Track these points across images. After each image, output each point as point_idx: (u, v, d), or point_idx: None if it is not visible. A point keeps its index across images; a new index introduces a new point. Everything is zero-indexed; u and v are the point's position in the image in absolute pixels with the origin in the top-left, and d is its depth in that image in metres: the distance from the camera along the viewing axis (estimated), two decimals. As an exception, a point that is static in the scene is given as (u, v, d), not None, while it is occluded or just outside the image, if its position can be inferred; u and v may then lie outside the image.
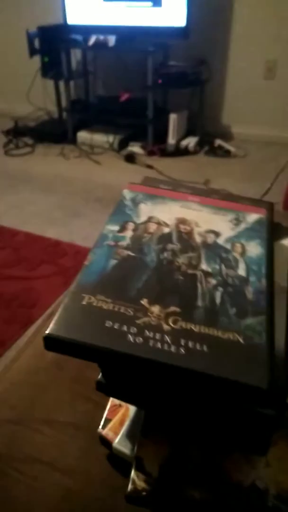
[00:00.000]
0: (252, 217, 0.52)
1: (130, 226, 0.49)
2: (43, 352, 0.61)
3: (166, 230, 0.49)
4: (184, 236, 0.48)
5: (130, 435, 0.46)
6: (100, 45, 2.74)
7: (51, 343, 0.36)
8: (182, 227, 0.50)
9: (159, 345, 0.35)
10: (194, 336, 0.37)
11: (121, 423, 0.48)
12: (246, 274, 0.43)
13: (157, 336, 0.36)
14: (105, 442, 0.47)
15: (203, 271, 0.44)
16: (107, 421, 0.49)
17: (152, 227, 0.49)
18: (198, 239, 0.48)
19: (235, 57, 2.96)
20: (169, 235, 0.48)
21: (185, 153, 2.90)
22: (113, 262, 0.44)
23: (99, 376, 0.42)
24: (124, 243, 0.46)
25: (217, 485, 0.40)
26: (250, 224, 0.51)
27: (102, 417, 0.50)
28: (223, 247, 0.47)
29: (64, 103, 3.16)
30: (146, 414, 0.45)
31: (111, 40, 2.69)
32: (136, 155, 2.83)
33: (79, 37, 2.80)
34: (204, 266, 0.44)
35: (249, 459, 0.41)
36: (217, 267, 0.44)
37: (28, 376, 0.59)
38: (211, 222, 0.51)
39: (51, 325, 0.37)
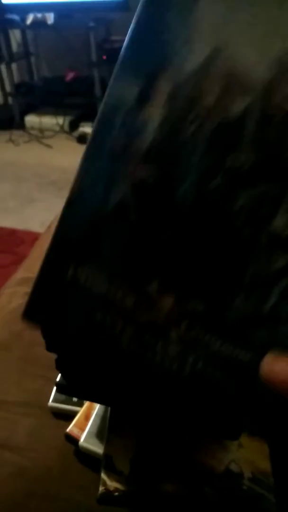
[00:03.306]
0: None
1: (164, 86, 0.22)
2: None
3: (239, 103, 0.22)
4: (273, 128, 0.22)
5: (98, 431, 0.44)
6: (39, 24, 2.63)
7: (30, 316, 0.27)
8: (280, 95, 0.21)
9: (157, 358, 0.26)
10: (210, 355, 0.25)
11: (87, 418, 0.46)
12: None
13: (159, 344, 0.26)
14: (71, 439, 0.45)
15: (272, 231, 0.23)
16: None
17: (211, 90, 0.22)
18: None
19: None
20: (239, 123, 0.22)
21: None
22: (116, 194, 0.24)
23: (59, 379, 0.38)
24: (142, 142, 0.23)
25: (190, 476, 0.39)
26: None
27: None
28: None
29: (8, 87, 3.04)
30: (113, 409, 0.42)
31: (50, 17, 2.59)
32: (89, 135, 2.77)
33: (15, 17, 2.68)
34: (280, 221, 0.23)
35: (222, 444, 0.40)
36: None
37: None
38: None
39: (28, 305, 0.27)
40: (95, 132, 0.24)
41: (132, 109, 0.23)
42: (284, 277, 0.24)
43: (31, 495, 0.43)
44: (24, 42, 3.02)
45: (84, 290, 0.25)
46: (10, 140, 2.81)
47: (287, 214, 0.23)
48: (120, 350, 0.26)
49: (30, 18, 2.63)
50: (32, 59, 3.13)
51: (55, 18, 2.59)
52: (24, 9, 2.65)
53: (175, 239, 0.24)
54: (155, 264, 0.25)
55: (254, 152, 0.22)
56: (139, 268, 0.25)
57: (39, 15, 2.61)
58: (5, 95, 3.13)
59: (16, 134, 2.87)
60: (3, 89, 3.10)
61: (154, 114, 0.22)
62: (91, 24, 2.55)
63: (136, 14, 0.22)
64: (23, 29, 2.87)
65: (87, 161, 0.24)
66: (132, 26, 0.22)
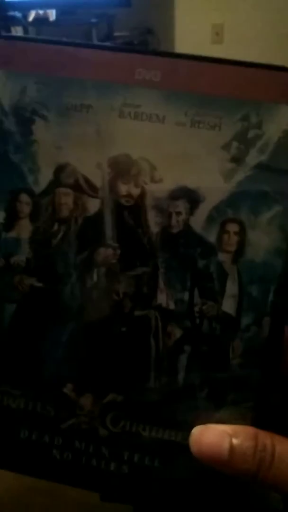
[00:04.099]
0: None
1: (24, 206, 0.25)
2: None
3: (92, 205, 0.25)
4: (126, 218, 0.25)
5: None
6: (41, 21, 2.63)
7: None
8: (122, 190, 0.25)
9: (94, 462, 0.26)
10: (142, 445, 0.25)
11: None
12: (236, 310, 0.25)
13: (91, 448, 0.26)
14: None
15: (160, 309, 0.25)
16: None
17: (66, 201, 0.25)
18: (153, 221, 0.25)
19: (181, 23, 2.90)
20: (97, 220, 0.25)
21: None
22: (9, 309, 0.26)
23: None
24: (19, 258, 0.26)
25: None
26: (278, 147, 0.24)
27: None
28: (201, 240, 0.25)
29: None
30: None
31: (52, 14, 2.59)
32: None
33: (17, 14, 2.68)
34: (162, 297, 0.25)
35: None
36: (185, 296, 0.25)
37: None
38: (183, 156, 0.24)
39: None
40: None
41: (3, 230, 0.26)
42: (185, 345, 0.25)
43: (34, 491, 0.42)
44: (27, 39, 3.03)
45: (3, 409, 0.26)
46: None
47: (163, 291, 0.25)
48: (55, 462, 0.26)
49: (32, 15, 2.62)
50: (35, 56, 3.13)
51: (57, 14, 2.59)
52: (26, 6, 2.65)
53: (73, 340, 0.26)
54: (63, 370, 0.26)
55: (117, 242, 0.25)
56: (50, 377, 0.26)
57: (41, 12, 2.61)
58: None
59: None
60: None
61: (22, 232, 0.26)
62: (93, 20, 2.55)
63: None
64: (25, 26, 2.87)
65: None
66: None
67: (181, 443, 0.25)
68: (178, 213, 0.25)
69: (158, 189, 0.25)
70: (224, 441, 0.23)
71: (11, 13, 2.68)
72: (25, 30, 2.96)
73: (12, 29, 2.87)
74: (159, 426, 0.25)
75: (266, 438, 0.23)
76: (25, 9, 2.64)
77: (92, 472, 0.26)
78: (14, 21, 2.71)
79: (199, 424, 0.24)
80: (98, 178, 0.25)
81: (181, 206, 0.25)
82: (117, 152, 0.25)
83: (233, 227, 0.25)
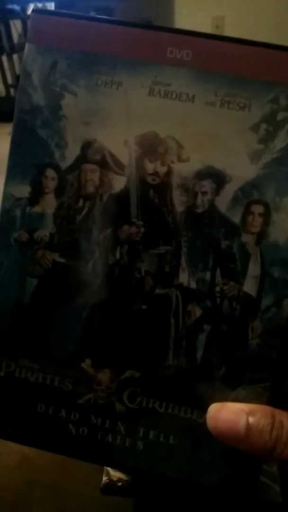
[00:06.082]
0: None
1: (50, 181, 0.25)
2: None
3: (117, 182, 0.25)
4: (152, 197, 0.25)
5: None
6: (40, 14, 2.62)
7: None
8: (148, 168, 0.25)
9: (109, 438, 0.26)
10: (158, 422, 0.26)
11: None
12: (257, 291, 0.25)
13: (107, 423, 0.26)
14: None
15: (181, 288, 0.25)
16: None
17: (91, 177, 0.25)
18: (178, 200, 0.25)
19: (181, 16, 2.88)
20: (122, 198, 0.25)
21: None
22: (31, 284, 0.26)
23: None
24: (43, 233, 0.26)
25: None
26: None
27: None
28: (225, 220, 0.25)
29: (9, 79, 3.02)
30: None
31: (50, 7, 2.57)
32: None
33: (16, 7, 2.66)
34: (184, 276, 0.25)
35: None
36: (206, 276, 0.25)
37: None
38: (211, 136, 0.24)
39: None
40: (1, 227, 0.26)
41: (28, 205, 0.26)
42: (205, 324, 0.25)
43: (35, 485, 0.43)
44: (26, 33, 3.00)
45: (21, 383, 0.26)
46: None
47: (185, 270, 0.25)
48: (70, 436, 0.26)
49: (31, 8, 2.61)
50: (34, 50, 3.11)
51: (55, 7, 2.57)
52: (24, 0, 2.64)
53: (94, 316, 0.26)
54: (83, 345, 0.26)
55: (141, 220, 0.25)
56: (69, 351, 0.26)
57: (39, 5, 2.59)
58: (7, 87, 3.11)
59: (18, 126, 2.86)
60: (5, 81, 3.08)
61: (47, 207, 0.26)
62: (92, 13, 2.53)
63: (13, 122, 0.26)
64: (24, 19, 2.85)
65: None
66: (12, 134, 0.26)
67: (196, 420, 0.25)
68: (204, 193, 0.25)
69: (185, 168, 0.25)
70: (241, 419, 0.23)
71: (10, 6, 2.67)
72: (24, 24, 2.95)
73: (11, 22, 2.85)
74: (176, 403, 0.25)
75: (282, 416, 0.23)
76: (24, 2, 2.63)
77: (107, 448, 0.26)
78: (13, 14, 2.70)
79: (215, 402, 0.25)
80: (125, 155, 0.25)
81: (207, 186, 0.25)
82: (145, 130, 0.25)
83: (257, 209, 0.25)
